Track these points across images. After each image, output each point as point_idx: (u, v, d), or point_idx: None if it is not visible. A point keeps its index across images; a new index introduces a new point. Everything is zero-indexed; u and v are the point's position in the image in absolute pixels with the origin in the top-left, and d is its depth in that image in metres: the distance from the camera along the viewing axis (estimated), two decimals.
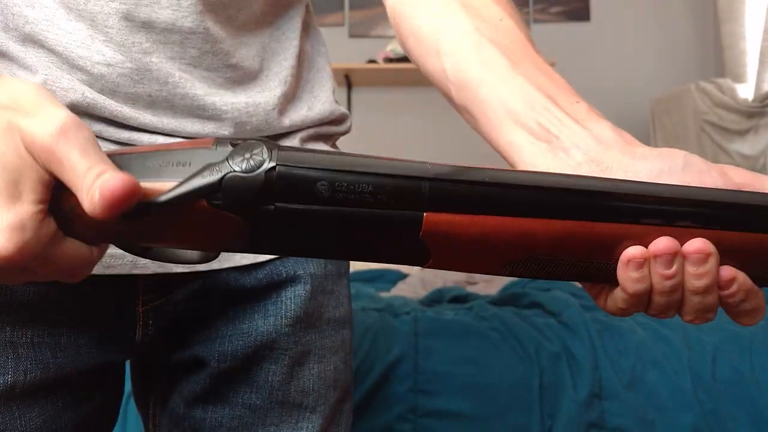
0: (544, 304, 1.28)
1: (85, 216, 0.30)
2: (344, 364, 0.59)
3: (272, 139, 0.43)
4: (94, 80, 0.46)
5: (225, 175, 0.31)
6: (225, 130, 0.51)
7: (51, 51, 0.46)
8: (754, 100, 2.50)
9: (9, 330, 0.46)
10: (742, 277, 0.33)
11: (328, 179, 0.31)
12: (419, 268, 2.24)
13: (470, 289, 1.63)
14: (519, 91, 0.40)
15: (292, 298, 0.55)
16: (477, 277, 1.91)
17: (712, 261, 0.32)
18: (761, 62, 2.54)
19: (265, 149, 0.31)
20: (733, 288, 0.33)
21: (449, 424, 1.09)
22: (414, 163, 0.32)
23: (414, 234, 0.32)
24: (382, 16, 3.33)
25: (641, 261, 0.32)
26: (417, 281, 1.85)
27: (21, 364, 0.46)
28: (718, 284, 0.33)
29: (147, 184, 0.31)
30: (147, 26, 0.46)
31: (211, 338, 0.54)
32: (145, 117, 0.48)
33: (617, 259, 0.33)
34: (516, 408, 1.09)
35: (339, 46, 3.31)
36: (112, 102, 0.47)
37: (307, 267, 0.56)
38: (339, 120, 0.61)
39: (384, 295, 1.54)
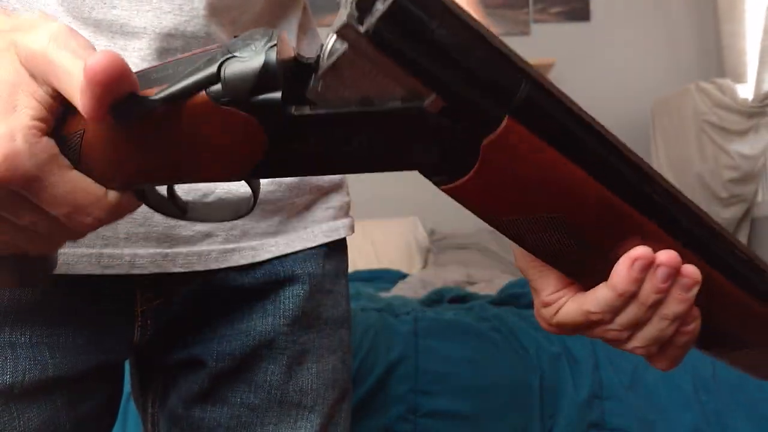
0: None
1: (95, 146, 0.28)
2: (342, 364, 0.59)
3: None
4: None
5: (224, 61, 0.28)
6: None
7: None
8: (754, 101, 2.50)
9: (8, 330, 0.46)
10: (700, 322, 0.34)
11: (447, 20, 0.26)
12: (419, 268, 2.23)
13: (470, 289, 1.63)
14: None
15: (291, 298, 0.55)
16: (477, 277, 1.91)
17: (695, 292, 0.32)
18: (761, 62, 2.54)
19: (265, 30, 0.28)
20: (691, 327, 0.34)
21: (449, 424, 1.09)
22: (522, 58, 0.28)
23: (481, 136, 0.28)
24: None
25: (647, 264, 0.32)
26: (417, 281, 1.85)
27: (20, 364, 0.46)
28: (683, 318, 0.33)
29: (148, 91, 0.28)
30: (149, 32, 0.46)
31: (210, 338, 0.54)
32: None
33: (616, 255, 0.32)
34: (516, 408, 1.09)
35: None
36: None
37: (305, 267, 0.56)
38: None
39: (384, 295, 1.54)
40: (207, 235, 0.51)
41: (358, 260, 2.35)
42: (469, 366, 1.12)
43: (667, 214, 0.31)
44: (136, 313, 0.52)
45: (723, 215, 2.50)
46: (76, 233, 0.32)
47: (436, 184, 0.30)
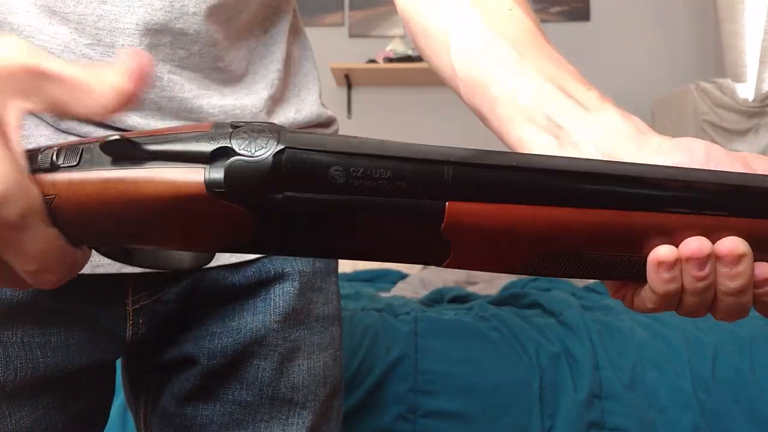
0: (544, 304, 1.28)
1: (67, 210, 0.28)
2: (334, 361, 0.59)
3: None
4: None
5: (220, 147, 0.27)
6: None
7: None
8: (754, 100, 2.50)
9: None
10: None
11: (342, 164, 0.27)
12: (419, 268, 2.24)
13: (470, 289, 1.63)
14: (527, 84, 0.39)
15: (281, 295, 0.55)
16: (477, 277, 1.91)
17: (746, 261, 0.30)
18: (761, 62, 2.54)
19: (271, 130, 0.28)
20: None
21: (449, 424, 1.09)
22: (435, 147, 0.29)
23: (435, 226, 0.29)
24: (382, 16, 3.33)
25: (672, 263, 0.30)
26: (417, 281, 1.85)
27: (11, 363, 0.46)
28: (753, 283, 0.31)
29: (141, 172, 0.28)
30: (139, 28, 0.46)
31: (201, 336, 0.55)
32: (133, 119, 0.48)
33: (646, 254, 0.31)
34: (516, 408, 1.09)
35: (339, 46, 3.31)
36: None
37: (295, 264, 0.56)
38: (326, 123, 0.62)
39: (384, 295, 1.54)
40: None
41: (358, 260, 2.34)
42: (469, 366, 1.12)
43: (670, 198, 0.30)
44: (127, 313, 0.52)
45: None
46: (28, 285, 0.30)
47: (435, 265, 0.31)
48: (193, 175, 0.28)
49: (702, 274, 0.31)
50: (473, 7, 0.44)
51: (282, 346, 0.55)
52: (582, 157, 0.34)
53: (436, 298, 1.45)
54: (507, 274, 2.01)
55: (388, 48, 3.13)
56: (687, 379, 1.11)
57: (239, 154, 0.27)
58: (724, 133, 2.49)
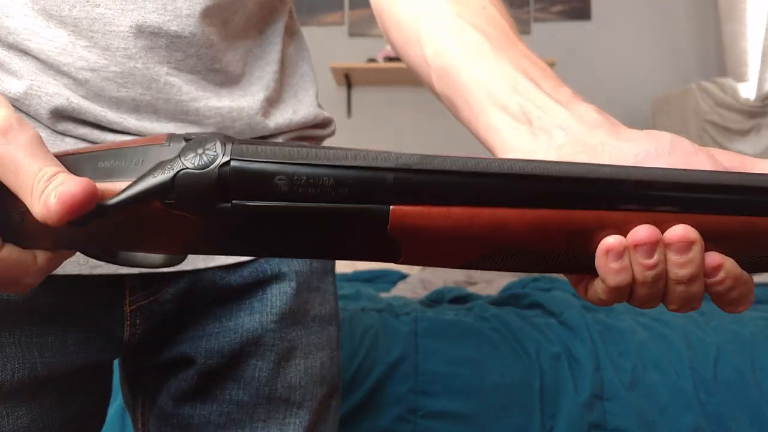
0: (545, 305, 1.28)
1: (33, 222, 0.29)
2: (330, 361, 0.59)
3: None
4: (79, 85, 0.46)
5: (177, 172, 0.29)
6: None
7: (35, 58, 0.46)
8: (755, 100, 2.49)
9: None
10: (729, 263, 0.31)
11: (286, 173, 0.29)
12: (419, 268, 2.24)
13: (470, 289, 1.63)
14: (500, 73, 0.39)
15: (278, 295, 0.55)
16: (477, 277, 1.91)
17: (696, 248, 0.30)
18: (763, 62, 2.54)
19: (218, 143, 0.29)
20: (720, 275, 0.31)
21: (449, 425, 1.09)
22: (376, 153, 0.30)
23: (381, 229, 0.30)
24: None
25: (620, 251, 0.30)
26: (417, 281, 1.84)
27: (8, 363, 0.46)
28: (703, 272, 0.31)
29: (99, 186, 0.30)
30: (133, 30, 0.46)
31: (198, 336, 0.55)
32: (129, 121, 0.48)
33: (596, 248, 0.31)
34: (516, 409, 1.09)
35: (339, 46, 3.31)
36: (96, 106, 0.47)
37: (291, 265, 0.57)
38: (323, 124, 0.62)
39: (384, 295, 1.54)
40: None
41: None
42: (470, 366, 1.12)
43: (618, 196, 0.30)
44: (125, 313, 0.52)
45: None
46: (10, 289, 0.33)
47: (390, 262, 0.33)
48: None
49: (651, 262, 0.30)
50: (447, 1, 0.43)
51: (279, 345, 0.55)
52: (553, 142, 0.36)
53: (436, 299, 1.44)
54: (505, 273, 2.01)
55: (388, 47, 3.13)
56: (688, 380, 1.11)
57: (188, 168, 0.29)
58: (725, 133, 2.49)
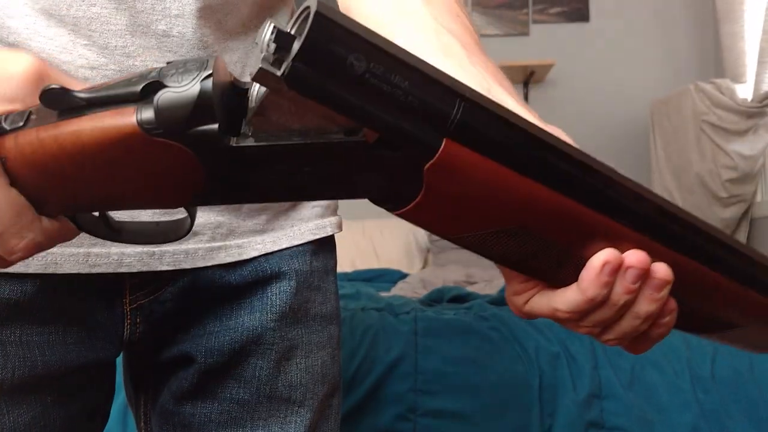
0: None
1: (20, 171, 0.28)
2: (332, 359, 0.60)
3: None
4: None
5: (151, 83, 0.26)
6: None
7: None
8: (753, 101, 2.50)
9: None
10: (677, 310, 0.33)
11: (366, 51, 0.25)
12: (419, 267, 2.23)
13: (470, 288, 1.63)
14: (475, 76, 0.38)
15: (278, 294, 0.55)
16: (477, 276, 1.91)
17: (666, 291, 0.31)
18: (760, 62, 2.54)
19: (203, 59, 0.27)
20: (667, 319, 0.33)
21: (449, 424, 1.09)
22: (451, 77, 0.27)
23: (420, 163, 0.27)
24: None
25: (616, 267, 0.31)
26: (417, 281, 1.85)
27: (9, 362, 0.47)
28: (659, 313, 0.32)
29: (76, 122, 0.27)
30: (130, 29, 0.46)
31: (198, 335, 0.55)
32: None
33: (582, 257, 0.31)
34: (515, 407, 1.09)
35: None
36: None
37: (291, 263, 0.56)
38: None
39: (384, 294, 1.55)
40: (193, 234, 0.52)
41: (358, 260, 2.35)
42: (469, 365, 1.12)
43: (627, 210, 0.31)
44: (125, 312, 0.52)
45: (722, 215, 2.51)
46: (3, 261, 0.31)
47: (388, 210, 0.30)
48: (125, 117, 0.27)
49: (633, 287, 0.31)
50: (421, 2, 0.43)
51: (279, 344, 0.55)
52: None
53: (436, 298, 1.45)
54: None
55: None
56: (686, 379, 1.12)
57: (167, 87, 0.26)
58: (723, 134, 2.50)
